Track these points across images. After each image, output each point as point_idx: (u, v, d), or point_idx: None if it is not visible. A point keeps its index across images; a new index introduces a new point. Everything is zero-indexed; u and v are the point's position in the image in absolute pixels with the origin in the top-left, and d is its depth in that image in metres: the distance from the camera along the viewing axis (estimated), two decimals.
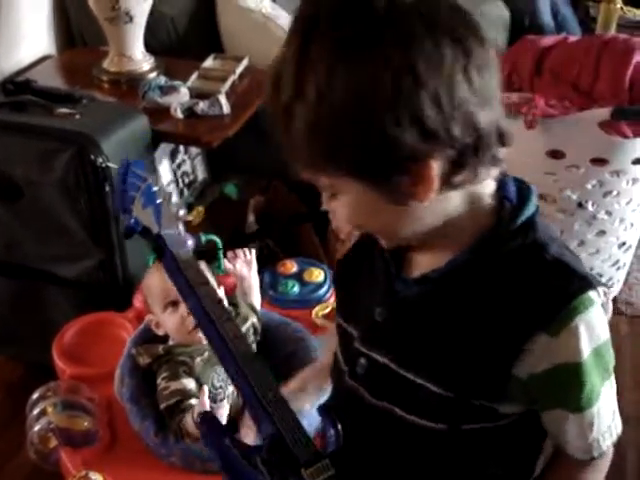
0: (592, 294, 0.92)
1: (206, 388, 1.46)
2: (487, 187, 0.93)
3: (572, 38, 2.61)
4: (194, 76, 2.44)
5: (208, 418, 1.03)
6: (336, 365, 1.12)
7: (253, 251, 1.85)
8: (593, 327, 0.92)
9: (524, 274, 0.93)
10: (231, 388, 1.57)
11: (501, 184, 0.95)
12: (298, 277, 2.05)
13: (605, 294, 0.95)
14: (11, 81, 2.27)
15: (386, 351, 1.00)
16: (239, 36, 2.76)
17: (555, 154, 2.37)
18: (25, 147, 2.01)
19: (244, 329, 1.67)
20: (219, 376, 1.59)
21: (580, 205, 2.46)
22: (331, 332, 1.18)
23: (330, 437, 0.94)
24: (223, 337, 0.95)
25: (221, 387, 1.57)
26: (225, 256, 1.94)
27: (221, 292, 1.65)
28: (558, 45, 2.53)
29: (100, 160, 1.95)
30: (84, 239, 2.06)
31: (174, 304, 1.59)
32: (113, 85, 2.52)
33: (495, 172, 0.92)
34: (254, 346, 1.69)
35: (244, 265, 1.80)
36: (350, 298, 1.11)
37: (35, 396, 1.64)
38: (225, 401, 1.54)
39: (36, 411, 1.59)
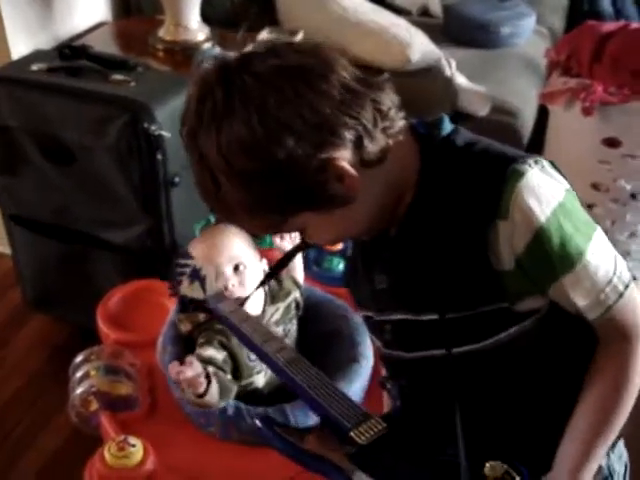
0: (517, 166, 0.97)
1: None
2: (399, 138, 1.01)
3: (634, 25, 2.57)
4: (248, 48, 2.42)
5: (265, 418, 1.19)
6: (376, 349, 1.24)
7: None
8: (535, 193, 0.96)
9: (459, 179, 1.01)
10: None
11: (412, 129, 1.05)
12: (343, 254, 2.02)
13: (537, 162, 0.99)
14: (68, 46, 2.28)
15: (396, 307, 1.10)
16: (295, 10, 2.75)
17: (611, 142, 2.33)
18: (79, 112, 2.02)
19: (286, 304, 1.67)
20: None
21: (633, 196, 2.42)
22: None
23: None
24: (269, 354, 1.17)
25: (256, 360, 1.57)
26: None
27: (263, 265, 1.64)
28: (619, 32, 2.49)
29: (153, 128, 1.96)
30: (133, 206, 2.08)
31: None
32: (168, 54, 2.54)
33: (395, 131, 1.00)
34: (295, 321, 1.69)
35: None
36: (357, 288, 1.21)
37: (79, 359, 1.65)
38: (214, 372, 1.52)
39: (79, 374, 1.60)
